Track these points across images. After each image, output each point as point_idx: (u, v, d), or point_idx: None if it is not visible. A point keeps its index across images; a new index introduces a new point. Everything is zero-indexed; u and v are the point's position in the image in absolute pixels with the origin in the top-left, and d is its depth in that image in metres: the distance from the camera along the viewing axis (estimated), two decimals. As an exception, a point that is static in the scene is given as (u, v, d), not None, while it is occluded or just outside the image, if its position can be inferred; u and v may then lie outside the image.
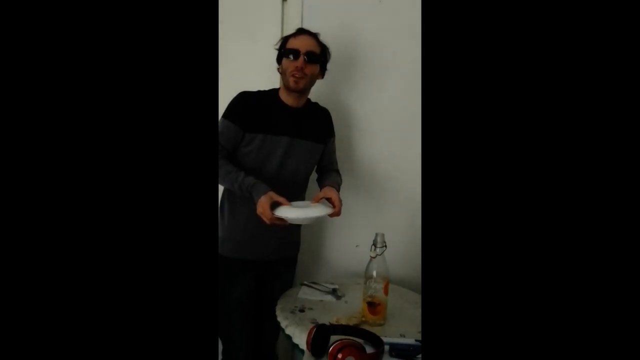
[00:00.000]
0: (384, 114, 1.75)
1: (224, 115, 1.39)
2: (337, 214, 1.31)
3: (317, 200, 1.34)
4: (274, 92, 1.47)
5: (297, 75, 1.36)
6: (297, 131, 1.42)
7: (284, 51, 1.39)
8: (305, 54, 1.36)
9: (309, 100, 1.50)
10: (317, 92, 1.51)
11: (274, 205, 1.27)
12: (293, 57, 1.36)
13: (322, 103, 1.56)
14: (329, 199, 1.34)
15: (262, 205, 1.25)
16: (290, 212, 1.26)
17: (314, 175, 1.57)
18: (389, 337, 1.12)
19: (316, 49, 1.39)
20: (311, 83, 1.43)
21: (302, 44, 1.37)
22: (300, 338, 1.17)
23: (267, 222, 1.26)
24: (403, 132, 1.73)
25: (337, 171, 1.56)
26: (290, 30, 1.68)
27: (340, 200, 1.32)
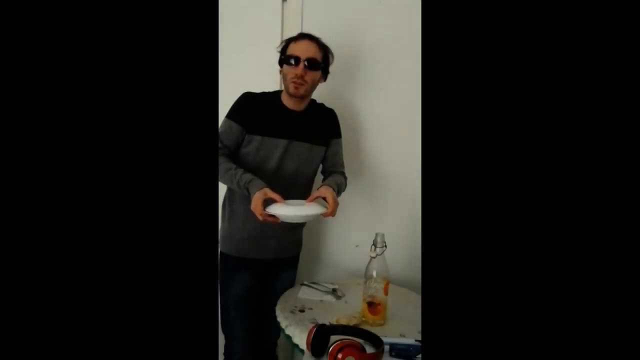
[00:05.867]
0: (384, 114, 1.75)
1: (228, 115, 1.39)
2: (330, 214, 1.29)
3: (312, 200, 1.34)
4: (277, 94, 1.47)
5: (297, 82, 1.36)
6: (297, 134, 1.42)
7: (285, 57, 1.39)
8: (305, 61, 1.35)
9: (313, 101, 1.50)
10: (317, 92, 1.51)
11: (269, 202, 1.26)
12: (293, 63, 1.36)
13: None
14: (324, 199, 1.33)
15: (255, 201, 1.24)
16: (281, 210, 1.25)
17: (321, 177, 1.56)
18: (389, 337, 1.12)
19: (317, 54, 1.38)
20: (312, 88, 1.42)
21: (302, 50, 1.36)
22: (300, 338, 1.17)
23: (259, 218, 1.26)
24: (403, 132, 1.73)
25: (342, 173, 1.53)
26: (290, 30, 1.68)
27: (335, 201, 1.30)
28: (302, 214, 1.28)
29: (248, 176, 1.29)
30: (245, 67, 1.73)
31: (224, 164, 1.33)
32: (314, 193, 1.35)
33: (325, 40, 1.42)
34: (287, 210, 1.25)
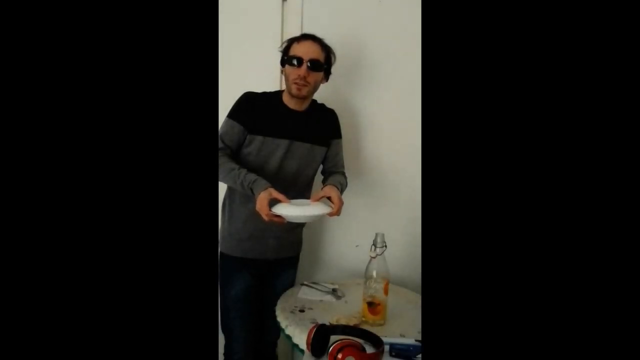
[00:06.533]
0: (385, 114, 1.75)
1: (229, 115, 1.39)
2: (335, 213, 1.30)
3: (317, 199, 1.34)
4: (278, 94, 1.46)
5: (299, 83, 1.36)
6: (298, 134, 1.42)
7: (287, 58, 1.39)
8: (308, 62, 1.35)
9: (314, 102, 1.50)
10: (317, 92, 1.50)
11: (273, 202, 1.26)
12: (296, 64, 1.36)
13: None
14: (329, 198, 1.33)
15: (261, 201, 1.24)
16: (287, 210, 1.25)
17: (321, 178, 1.56)
18: (389, 337, 1.12)
19: (320, 56, 1.38)
20: (314, 89, 1.42)
21: (305, 51, 1.36)
22: (300, 338, 1.17)
23: (265, 218, 1.26)
24: (403, 132, 1.72)
25: (343, 173, 1.54)
26: (290, 30, 1.68)
27: (340, 200, 1.31)
28: (309, 214, 1.28)
29: (252, 176, 1.29)
30: (245, 67, 1.73)
31: (226, 165, 1.33)
32: (319, 193, 1.35)
33: (325, 40, 1.42)
34: (293, 211, 1.25)
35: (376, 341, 1.08)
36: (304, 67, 1.35)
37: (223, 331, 1.52)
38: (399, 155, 1.75)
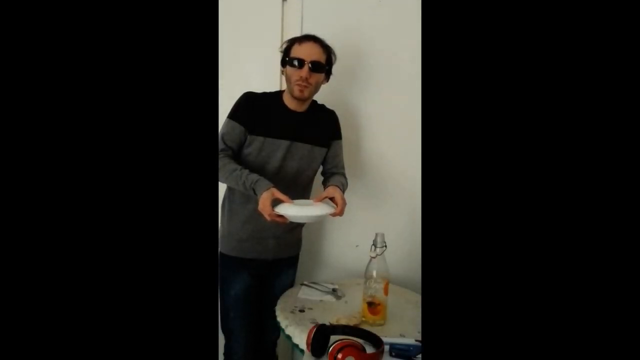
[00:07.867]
0: (384, 114, 1.75)
1: (230, 116, 1.39)
2: (339, 213, 1.30)
3: (320, 200, 1.34)
4: (278, 95, 1.46)
5: (301, 85, 1.36)
6: (298, 135, 1.42)
7: (289, 59, 1.38)
8: (310, 63, 1.35)
9: (314, 102, 1.50)
10: (317, 93, 1.50)
11: (276, 202, 1.26)
12: (298, 65, 1.35)
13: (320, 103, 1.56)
14: (332, 199, 1.33)
15: (263, 201, 1.24)
16: (290, 210, 1.25)
17: (321, 178, 1.56)
18: (389, 337, 1.12)
19: (321, 57, 1.38)
20: (315, 90, 1.42)
21: (307, 52, 1.36)
22: (300, 338, 1.17)
23: (268, 218, 1.26)
24: (403, 133, 1.73)
25: (343, 174, 1.54)
26: (290, 30, 1.68)
27: (343, 200, 1.31)
28: (312, 214, 1.28)
29: (254, 176, 1.29)
30: (245, 67, 1.73)
31: (228, 165, 1.33)
32: (322, 193, 1.35)
33: (326, 40, 1.42)
34: (297, 211, 1.25)
35: (376, 341, 1.08)
36: (306, 68, 1.35)
37: (223, 331, 1.52)
38: (399, 155, 1.75)
